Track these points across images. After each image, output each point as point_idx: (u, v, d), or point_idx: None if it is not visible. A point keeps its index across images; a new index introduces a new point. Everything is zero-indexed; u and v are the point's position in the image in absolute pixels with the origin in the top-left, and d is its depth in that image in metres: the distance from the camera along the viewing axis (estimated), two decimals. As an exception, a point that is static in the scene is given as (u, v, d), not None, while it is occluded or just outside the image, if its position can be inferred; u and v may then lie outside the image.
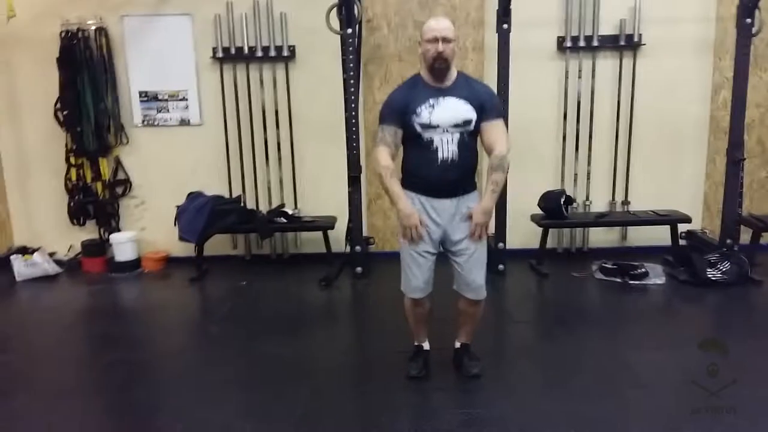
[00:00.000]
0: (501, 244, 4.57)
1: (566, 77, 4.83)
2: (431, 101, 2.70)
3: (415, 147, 2.75)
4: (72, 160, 4.90)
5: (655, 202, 4.88)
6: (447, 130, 2.69)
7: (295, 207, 5.01)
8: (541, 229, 4.64)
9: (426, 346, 3.13)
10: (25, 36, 4.80)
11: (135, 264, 4.96)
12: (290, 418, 2.67)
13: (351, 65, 4.33)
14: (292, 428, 2.60)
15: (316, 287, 4.41)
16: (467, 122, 2.70)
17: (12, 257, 4.80)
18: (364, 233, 5.03)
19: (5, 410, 2.84)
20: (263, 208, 4.97)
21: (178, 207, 4.61)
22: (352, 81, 4.36)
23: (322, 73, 4.77)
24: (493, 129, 2.75)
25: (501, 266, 4.57)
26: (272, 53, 4.78)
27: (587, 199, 5.00)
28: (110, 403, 2.91)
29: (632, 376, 2.98)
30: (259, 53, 4.79)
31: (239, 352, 3.43)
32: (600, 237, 5.09)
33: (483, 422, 2.59)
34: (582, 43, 4.74)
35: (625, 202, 4.98)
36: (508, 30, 4.29)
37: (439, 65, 2.68)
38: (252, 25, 4.77)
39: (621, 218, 4.86)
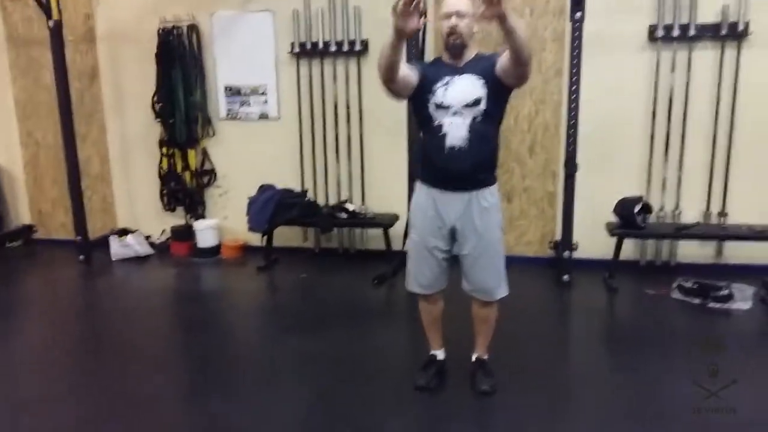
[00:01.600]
0: (567, 253, 4.25)
1: (657, 71, 4.34)
2: (446, 79, 2.55)
3: (427, 133, 2.63)
4: (164, 149, 5.31)
5: (759, 215, 4.27)
6: (458, 112, 2.53)
7: (362, 203, 5.02)
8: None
9: (440, 355, 2.99)
10: (130, 33, 5.26)
11: (215, 250, 5.27)
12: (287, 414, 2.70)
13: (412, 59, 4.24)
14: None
15: (369, 285, 4.40)
16: (477, 101, 2.51)
17: (110, 238, 5.32)
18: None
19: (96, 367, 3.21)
20: (333, 202, 5.04)
21: (249, 198, 4.82)
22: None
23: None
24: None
25: (566, 277, 4.26)
26: (345, 48, 4.81)
27: (676, 208, 4.47)
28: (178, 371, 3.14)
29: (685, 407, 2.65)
30: (333, 48, 4.84)
31: (261, 345, 3.55)
32: (690, 251, 4.53)
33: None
34: (676, 33, 4.23)
35: (722, 214, 4.38)
36: (582, 19, 3.95)
37: (453, 41, 2.53)
38: (327, 20, 4.84)
39: (706, 231, 4.28)
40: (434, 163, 2.62)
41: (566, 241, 4.24)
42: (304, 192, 4.94)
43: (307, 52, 4.91)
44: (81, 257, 5.17)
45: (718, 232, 4.21)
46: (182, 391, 3.02)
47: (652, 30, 4.29)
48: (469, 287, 2.76)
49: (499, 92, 2.54)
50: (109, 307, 4.28)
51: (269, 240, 4.94)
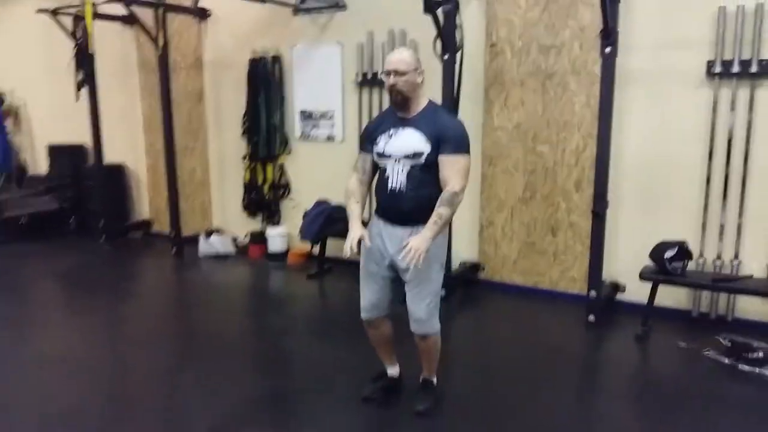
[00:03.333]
0: (593, 293, 4.07)
1: (714, 109, 4.00)
2: (391, 131, 2.74)
3: (378, 173, 2.84)
4: (248, 163, 5.94)
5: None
6: (398, 161, 2.70)
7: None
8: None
9: (390, 371, 3.13)
10: (228, 61, 5.98)
11: (283, 255, 5.77)
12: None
13: (447, 88, 4.36)
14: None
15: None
16: (417, 154, 2.66)
17: (200, 236, 6.06)
18: (476, 259, 4.99)
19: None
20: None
21: (305, 211, 5.24)
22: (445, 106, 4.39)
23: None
24: (449, 164, 2.65)
25: (591, 317, 4.08)
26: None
27: (736, 257, 4.05)
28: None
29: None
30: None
31: (265, 348, 3.92)
32: (755, 307, 4.07)
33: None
34: (736, 69, 3.87)
35: (785, 269, 3.90)
36: (613, 54, 3.80)
37: (394, 96, 2.70)
38: (388, 52, 5.10)
39: (749, 286, 3.81)
40: (380, 200, 2.82)
41: (594, 280, 4.06)
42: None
43: (368, 81, 5.22)
44: (173, 250, 5.97)
45: (758, 287, 3.75)
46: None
47: (710, 66, 3.96)
48: (411, 320, 2.84)
49: (436, 156, 2.66)
50: (177, 290, 5.25)
51: (322, 250, 5.32)
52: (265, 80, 5.71)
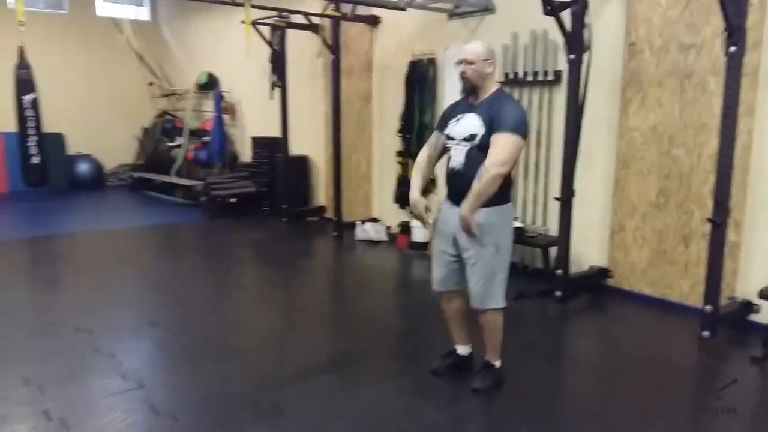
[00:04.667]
0: (709, 308, 3.81)
1: None
2: (459, 116, 3.04)
3: (447, 157, 3.13)
4: (400, 159, 6.46)
5: None
6: (459, 143, 2.99)
7: (544, 224, 5.26)
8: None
9: (461, 350, 3.37)
10: (392, 65, 6.58)
11: (424, 245, 6.19)
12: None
13: (572, 89, 4.39)
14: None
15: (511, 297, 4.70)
16: (473, 136, 2.94)
17: (357, 223, 6.76)
18: (605, 265, 4.91)
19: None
20: (522, 221, 5.40)
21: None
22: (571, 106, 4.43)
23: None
24: (494, 142, 2.87)
25: (705, 333, 3.83)
26: (540, 77, 5.15)
27: None
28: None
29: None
30: (530, 77, 5.23)
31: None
32: None
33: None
34: None
35: None
36: (738, 54, 3.53)
37: (464, 84, 3.00)
38: (530, 53, 5.24)
39: None
40: (446, 181, 3.10)
41: (711, 295, 3.80)
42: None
43: (510, 80, 5.40)
44: (335, 233, 6.77)
45: None
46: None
47: None
48: (469, 294, 3.10)
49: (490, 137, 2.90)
50: (329, 266, 6.06)
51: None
52: (421, 81, 6.18)
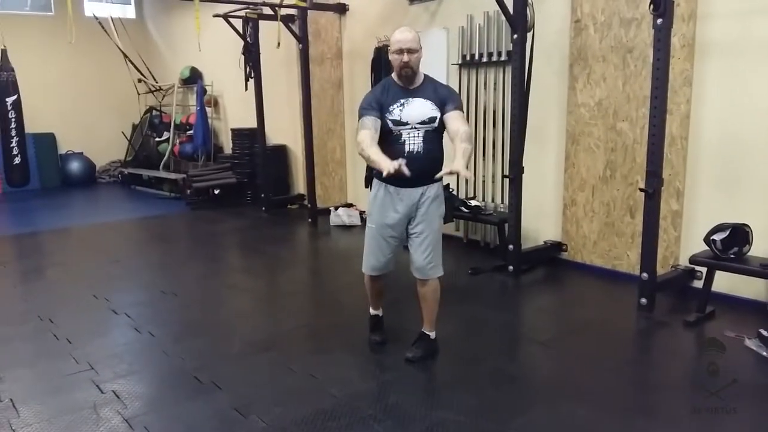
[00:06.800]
0: (645, 275, 3.90)
1: (799, 78, 3.56)
2: (401, 101, 3.13)
3: (386, 142, 3.14)
4: (369, 143, 6.58)
5: None
6: (414, 127, 3.10)
7: (502, 202, 5.36)
8: None
9: (380, 313, 3.59)
10: (360, 51, 6.68)
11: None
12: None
13: (516, 68, 4.49)
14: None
15: (466, 274, 4.84)
16: (432, 119, 3.09)
17: (331, 208, 6.90)
18: (558, 239, 5.02)
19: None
20: (480, 200, 5.51)
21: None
22: (516, 85, 4.53)
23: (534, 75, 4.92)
24: (455, 117, 3.08)
25: (643, 300, 3.93)
26: (494, 58, 5.23)
27: (819, 246, 3.59)
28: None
29: None
30: (485, 58, 5.31)
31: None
32: None
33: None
34: (825, 31, 3.41)
35: None
36: (665, 26, 3.60)
37: (405, 73, 3.10)
38: (485, 34, 5.32)
39: None
40: None
41: (647, 263, 3.90)
42: (446, 186, 5.55)
43: (467, 62, 5.49)
44: (309, 219, 6.92)
45: None
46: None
47: (795, 29, 3.54)
48: (412, 267, 3.24)
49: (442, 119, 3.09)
50: (300, 250, 6.11)
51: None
52: (386, 66, 6.27)
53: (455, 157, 2.90)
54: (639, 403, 2.85)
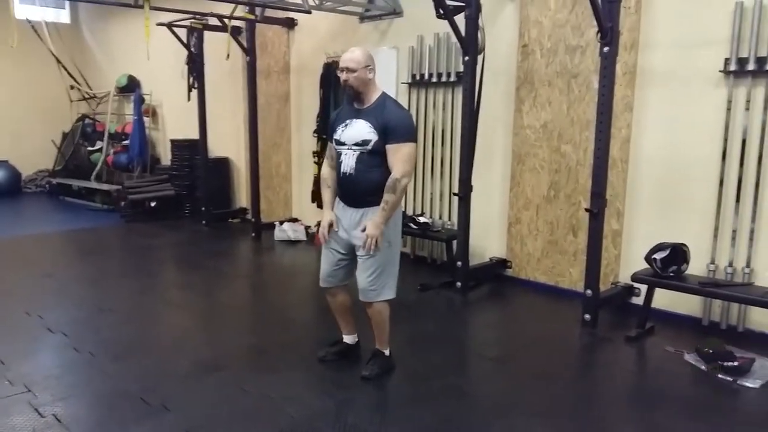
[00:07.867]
0: (588, 292, 4.05)
1: (728, 108, 3.82)
2: (347, 121, 3.13)
3: (338, 161, 3.19)
4: (316, 159, 6.56)
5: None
6: (350, 148, 3.08)
7: (449, 220, 5.45)
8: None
9: (347, 339, 3.50)
10: (308, 66, 6.67)
11: (313, 237, 6.31)
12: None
13: (467, 89, 4.60)
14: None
15: (415, 290, 4.87)
16: (366, 142, 3.03)
17: (276, 223, 6.81)
18: (503, 256, 5.14)
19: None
20: (428, 216, 5.57)
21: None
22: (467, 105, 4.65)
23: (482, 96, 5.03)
24: (392, 152, 3.01)
25: (587, 316, 4.07)
26: (444, 78, 5.34)
27: (747, 265, 3.83)
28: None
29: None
30: (434, 79, 5.41)
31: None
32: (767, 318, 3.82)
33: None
34: (752, 66, 3.68)
35: (796, 279, 3.61)
36: (611, 54, 3.79)
37: (347, 91, 3.09)
38: (435, 55, 5.42)
39: (735, 293, 3.60)
40: (339, 184, 3.20)
41: (590, 280, 4.05)
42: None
43: (416, 82, 5.58)
44: (253, 234, 6.79)
45: (755, 296, 3.50)
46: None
47: (726, 63, 3.79)
48: (358, 289, 3.21)
49: (383, 144, 3.02)
50: (242, 265, 5.95)
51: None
52: (335, 81, 6.28)
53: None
54: (591, 417, 2.95)
